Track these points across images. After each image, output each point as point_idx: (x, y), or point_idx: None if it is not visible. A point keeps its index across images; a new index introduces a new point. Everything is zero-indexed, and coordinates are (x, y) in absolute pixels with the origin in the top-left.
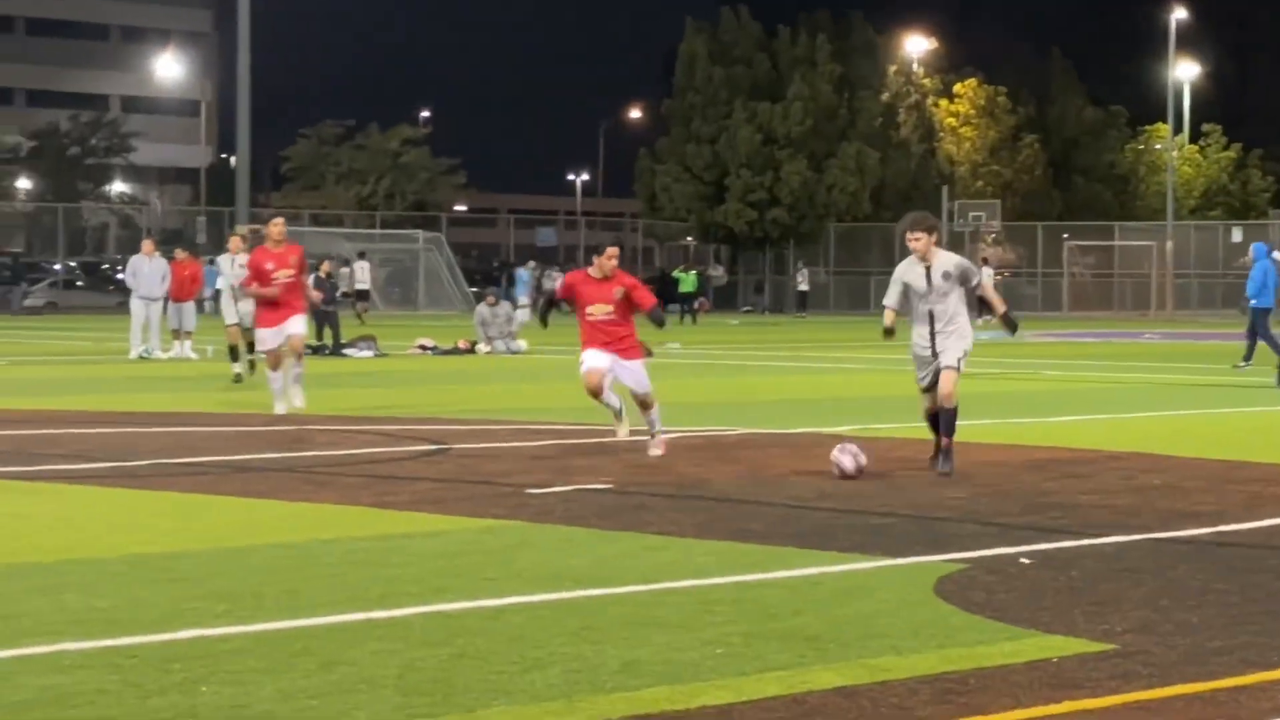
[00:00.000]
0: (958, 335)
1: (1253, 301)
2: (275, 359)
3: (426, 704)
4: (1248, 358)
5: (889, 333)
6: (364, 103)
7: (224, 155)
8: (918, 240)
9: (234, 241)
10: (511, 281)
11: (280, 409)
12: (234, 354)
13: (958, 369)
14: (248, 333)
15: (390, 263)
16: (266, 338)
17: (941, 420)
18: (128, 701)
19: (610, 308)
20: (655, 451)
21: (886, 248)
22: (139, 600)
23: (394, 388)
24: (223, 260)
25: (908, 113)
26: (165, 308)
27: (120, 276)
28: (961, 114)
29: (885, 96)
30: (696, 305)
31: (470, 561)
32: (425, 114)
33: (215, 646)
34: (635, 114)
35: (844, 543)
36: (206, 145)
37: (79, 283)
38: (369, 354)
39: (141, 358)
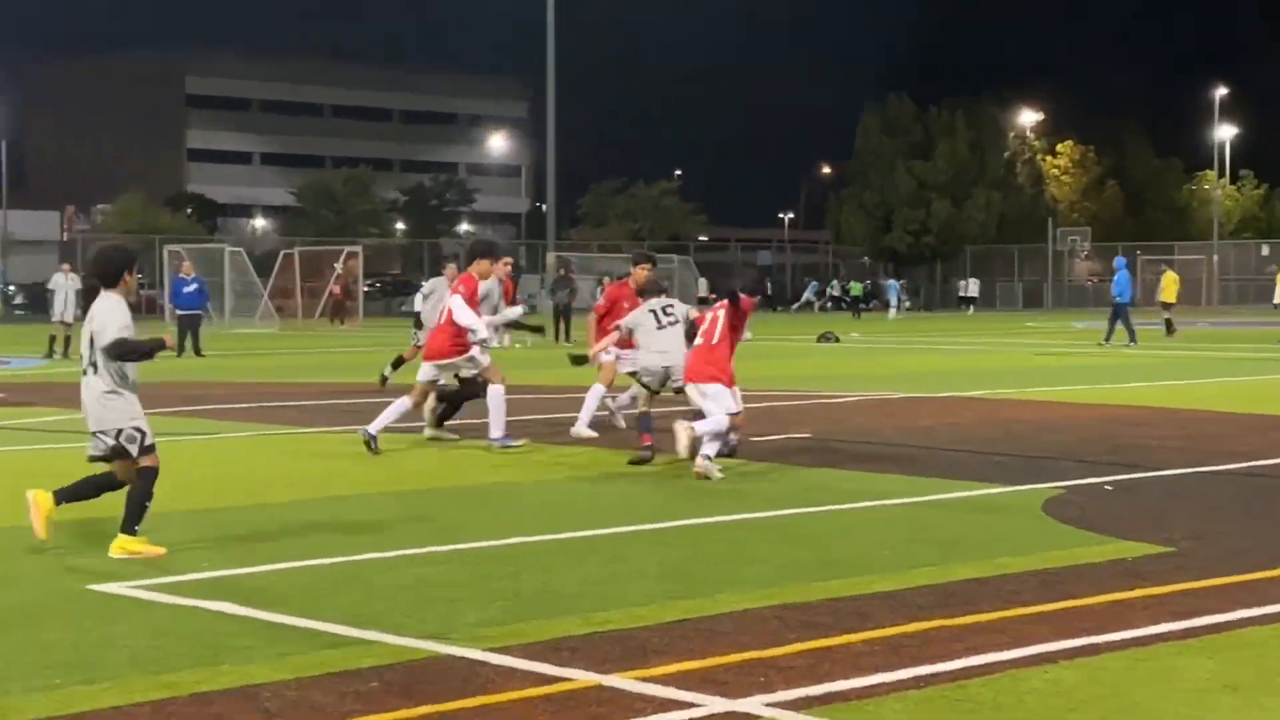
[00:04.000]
0: None
1: None
2: None
3: (680, 589)
4: None
5: None
6: (634, 164)
7: (538, 204)
8: None
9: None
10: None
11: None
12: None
13: None
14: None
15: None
16: None
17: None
18: (474, 585)
19: None
20: None
21: (1008, 263)
22: (471, 520)
23: None
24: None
25: (1023, 165)
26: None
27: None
28: (1062, 166)
29: (1006, 154)
30: (865, 306)
31: (693, 489)
32: (678, 171)
33: (530, 548)
34: (825, 169)
35: (974, 475)
36: (525, 196)
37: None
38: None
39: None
